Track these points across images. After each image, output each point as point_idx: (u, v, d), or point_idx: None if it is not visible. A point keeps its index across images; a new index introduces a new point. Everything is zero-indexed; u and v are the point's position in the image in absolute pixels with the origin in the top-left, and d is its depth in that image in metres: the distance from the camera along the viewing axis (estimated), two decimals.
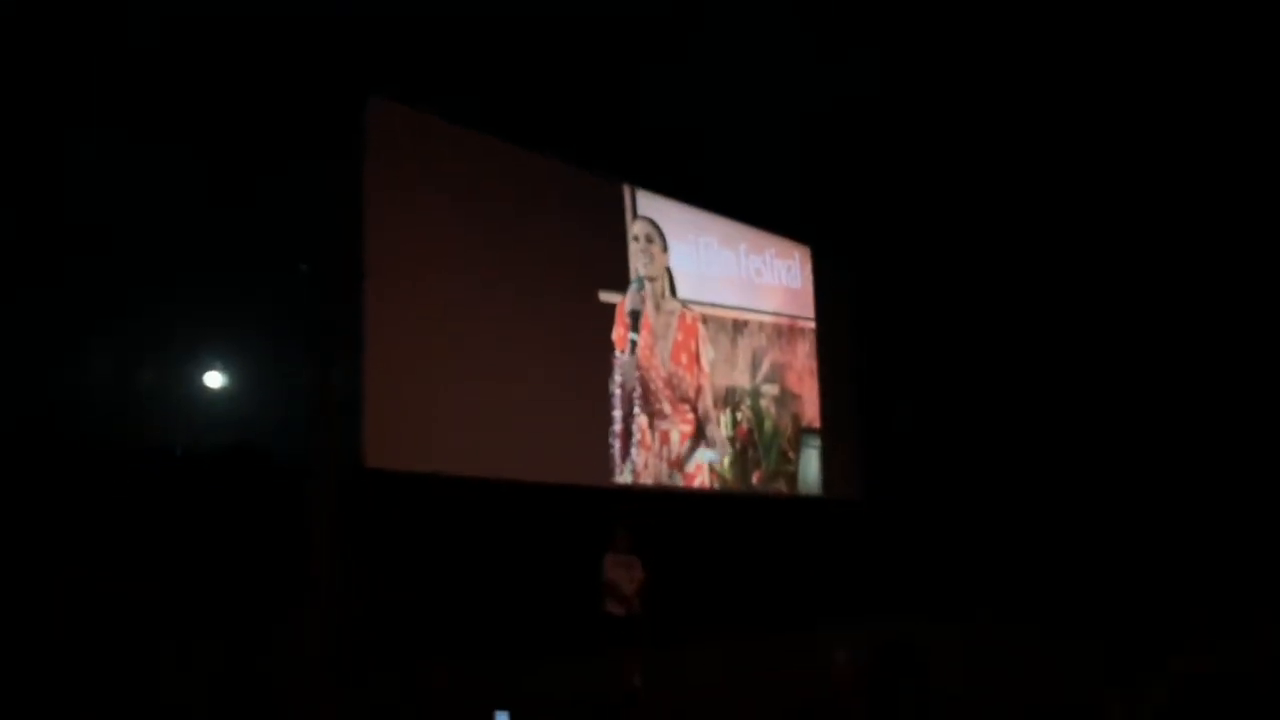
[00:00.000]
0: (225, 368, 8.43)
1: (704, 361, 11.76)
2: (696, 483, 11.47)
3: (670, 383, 11.29)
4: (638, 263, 11.20)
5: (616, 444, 10.65)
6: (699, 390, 11.65)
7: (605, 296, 10.81)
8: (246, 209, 8.05)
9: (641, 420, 10.87)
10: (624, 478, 10.63)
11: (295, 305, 8.46)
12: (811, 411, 13.28)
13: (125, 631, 6.68)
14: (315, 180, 8.37)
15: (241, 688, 6.47)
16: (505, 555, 9.14)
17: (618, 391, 10.72)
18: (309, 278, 8.45)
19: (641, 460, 10.81)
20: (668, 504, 10.96)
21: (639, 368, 10.93)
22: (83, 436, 7.35)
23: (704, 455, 11.61)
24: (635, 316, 11.02)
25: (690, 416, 11.48)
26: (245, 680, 6.57)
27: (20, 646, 6.30)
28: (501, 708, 5.95)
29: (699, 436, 11.56)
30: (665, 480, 11.06)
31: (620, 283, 10.99)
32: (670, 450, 11.17)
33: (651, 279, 11.29)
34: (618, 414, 10.68)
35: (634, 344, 10.91)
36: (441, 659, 7.67)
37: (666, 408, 11.18)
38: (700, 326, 11.80)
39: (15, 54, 7.13)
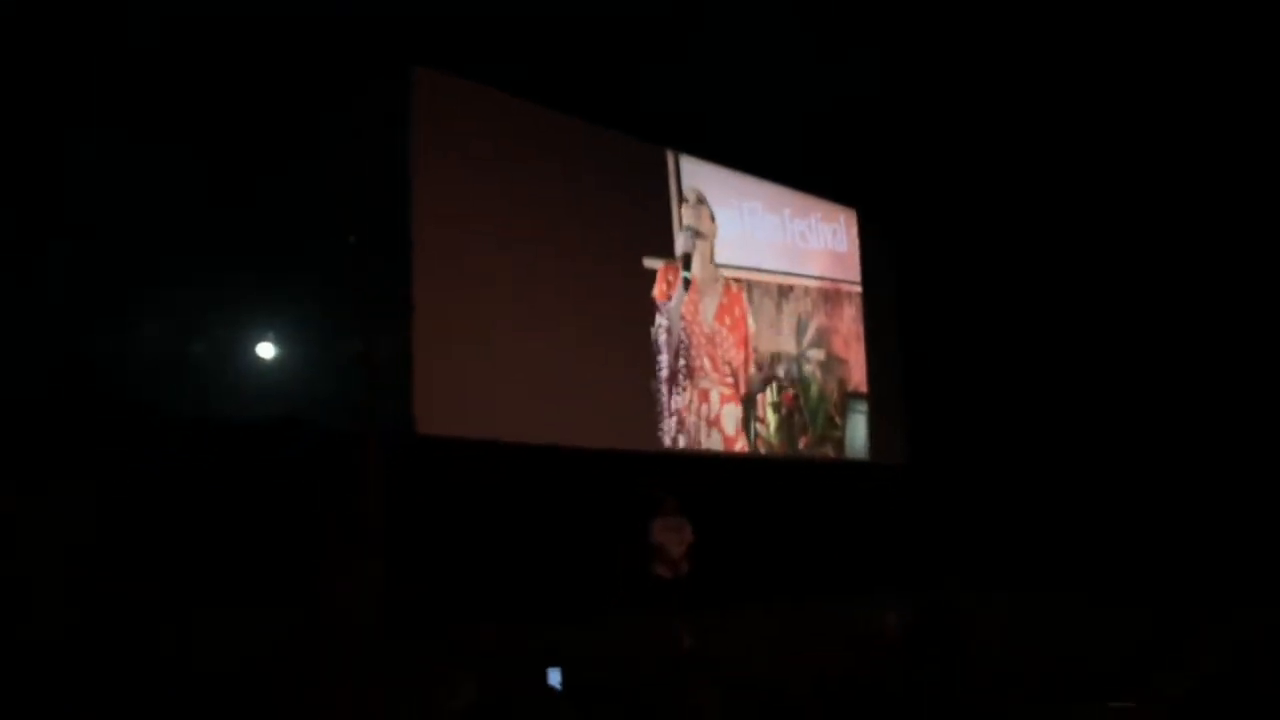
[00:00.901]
0: (276, 339, 8.56)
1: (749, 330, 11.73)
2: (737, 446, 11.48)
3: (713, 340, 11.30)
4: (689, 218, 11.17)
5: (663, 390, 10.68)
6: (745, 357, 11.63)
7: (649, 262, 10.82)
8: (295, 182, 8.14)
9: (685, 372, 10.90)
10: (668, 431, 10.67)
11: (344, 276, 8.55)
12: (858, 376, 13.21)
13: (178, 594, 6.87)
14: (362, 151, 8.44)
15: (293, 648, 6.63)
16: (555, 518, 9.25)
17: (664, 337, 10.73)
18: (357, 248, 8.54)
19: (685, 418, 10.84)
20: (715, 468, 11.01)
21: (684, 318, 10.93)
22: (137, 406, 7.51)
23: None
24: (687, 259, 11.02)
25: (731, 380, 11.48)
26: (297, 640, 6.73)
27: (80, 606, 6.51)
28: (553, 666, 6.05)
29: (742, 403, 11.56)
30: (704, 440, 11.10)
31: (664, 249, 10.98)
32: (710, 409, 11.19)
33: (701, 235, 11.27)
34: (664, 359, 10.70)
35: (687, 282, 10.90)
36: (493, 621, 7.80)
37: (707, 365, 11.19)
38: (745, 296, 11.75)
39: (49, 36, 7.24)
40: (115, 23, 7.27)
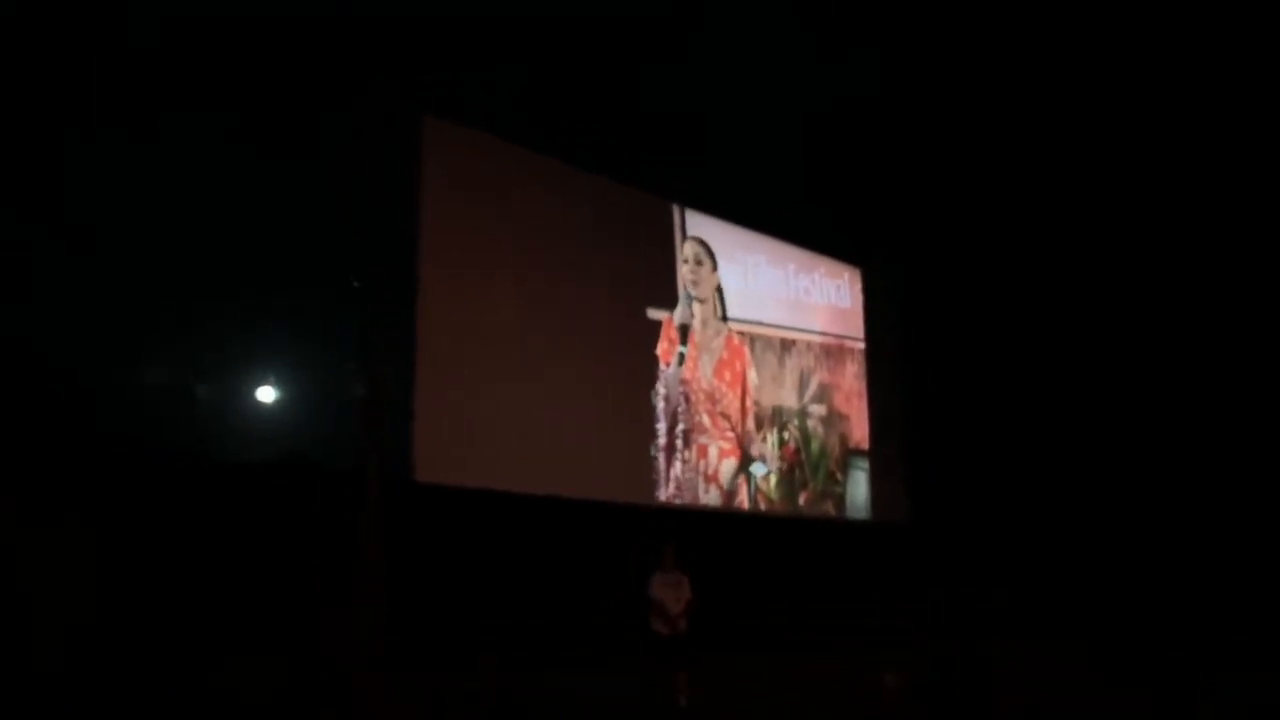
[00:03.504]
0: (279, 382, 8.55)
1: (750, 384, 11.71)
2: (736, 501, 11.41)
3: (712, 397, 11.27)
4: (686, 283, 11.22)
5: (660, 457, 10.63)
6: (743, 412, 11.60)
7: (653, 314, 10.84)
8: (302, 224, 8.19)
9: (683, 434, 10.85)
10: (666, 492, 10.61)
11: (349, 321, 8.56)
12: (860, 433, 13.17)
13: (175, 632, 6.80)
14: (370, 197, 8.49)
15: (291, 686, 6.54)
16: (553, 569, 9.16)
17: (662, 405, 10.71)
18: (363, 293, 8.56)
19: (682, 475, 10.79)
20: (715, 522, 10.92)
21: (683, 382, 10.92)
22: (140, 445, 7.49)
23: (757, 469, 11.61)
24: (684, 330, 11.02)
25: (730, 435, 11.43)
26: (295, 677, 6.64)
27: (81, 647, 6.43)
28: (551, 715, 5.94)
29: (741, 457, 11.50)
30: (702, 495, 11.03)
31: (668, 300, 11.01)
32: (708, 464, 11.14)
33: (700, 300, 11.30)
34: (661, 427, 10.67)
35: (681, 357, 10.90)
36: (492, 666, 7.69)
37: (706, 421, 11.15)
38: (747, 350, 11.75)
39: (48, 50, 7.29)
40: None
